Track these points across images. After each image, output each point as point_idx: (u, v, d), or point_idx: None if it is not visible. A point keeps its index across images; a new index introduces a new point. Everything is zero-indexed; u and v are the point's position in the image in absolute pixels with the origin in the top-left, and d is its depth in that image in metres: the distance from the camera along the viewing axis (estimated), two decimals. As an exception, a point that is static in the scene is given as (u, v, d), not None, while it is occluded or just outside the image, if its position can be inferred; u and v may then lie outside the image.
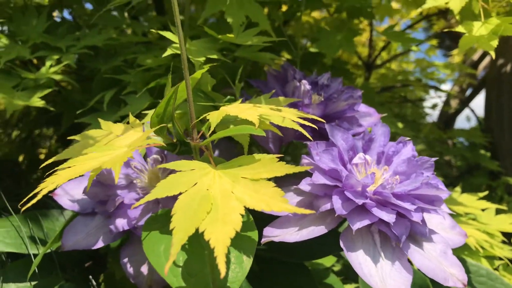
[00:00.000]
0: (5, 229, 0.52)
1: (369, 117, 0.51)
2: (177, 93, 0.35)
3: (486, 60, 1.52)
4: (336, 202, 0.37)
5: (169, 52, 0.46)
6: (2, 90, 0.59)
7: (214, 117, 0.32)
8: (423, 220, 0.38)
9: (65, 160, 0.40)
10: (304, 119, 0.37)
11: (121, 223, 0.42)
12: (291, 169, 0.28)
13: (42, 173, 1.09)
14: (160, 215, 0.40)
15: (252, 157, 0.30)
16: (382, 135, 0.44)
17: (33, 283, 0.50)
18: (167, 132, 0.38)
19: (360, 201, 0.37)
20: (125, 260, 0.44)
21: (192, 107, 0.33)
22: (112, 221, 0.42)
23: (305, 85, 0.46)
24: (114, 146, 0.33)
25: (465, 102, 1.48)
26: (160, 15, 0.92)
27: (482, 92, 1.54)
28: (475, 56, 1.50)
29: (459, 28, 0.58)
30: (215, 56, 0.47)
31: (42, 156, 1.17)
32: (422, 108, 1.45)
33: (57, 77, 0.62)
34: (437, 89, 1.30)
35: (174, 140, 0.37)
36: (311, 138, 0.37)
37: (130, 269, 0.43)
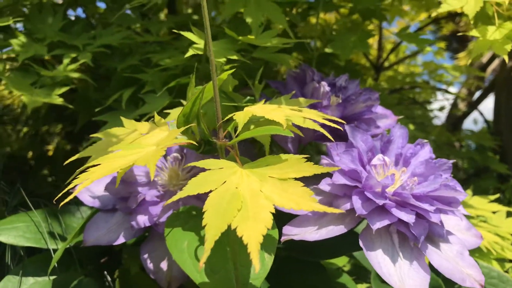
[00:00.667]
0: (25, 223, 0.53)
1: (385, 119, 0.51)
2: (204, 93, 0.35)
3: (495, 63, 1.52)
4: (356, 202, 0.38)
5: (191, 52, 0.46)
6: (21, 88, 0.60)
7: (240, 117, 0.33)
8: (441, 221, 0.39)
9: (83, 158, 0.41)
10: (327, 119, 0.38)
11: (142, 220, 0.43)
12: (319, 169, 0.28)
13: (50, 169, 1.10)
14: (182, 212, 0.41)
15: (278, 157, 0.31)
16: (400, 137, 0.44)
17: (52, 277, 0.51)
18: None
19: (380, 202, 0.37)
20: (145, 256, 0.44)
21: (219, 107, 0.34)
22: (134, 217, 0.43)
23: (325, 86, 0.47)
24: (141, 144, 0.33)
25: (473, 105, 1.49)
26: (171, 14, 0.93)
27: (490, 95, 1.54)
28: (484, 59, 1.50)
29: (473, 32, 0.58)
30: (235, 57, 0.47)
31: (50, 154, 1.18)
32: (431, 110, 1.45)
33: (75, 75, 0.63)
34: (446, 91, 1.31)
35: (198, 139, 0.38)
36: (332, 139, 0.37)
37: (150, 265, 0.44)
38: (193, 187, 0.28)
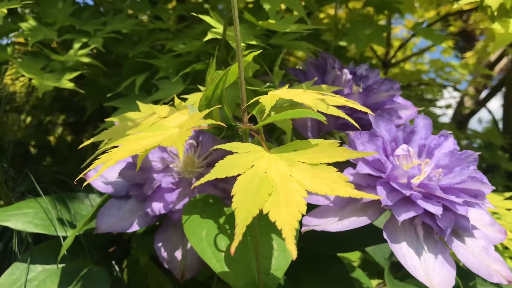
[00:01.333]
0: (34, 210, 0.51)
1: (405, 110, 0.50)
2: (227, 76, 0.34)
3: (503, 61, 1.51)
4: (381, 192, 0.37)
5: (209, 36, 0.45)
6: (32, 71, 0.59)
7: (267, 101, 0.32)
8: (467, 214, 0.38)
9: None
10: (350, 108, 0.36)
11: (157, 207, 0.42)
12: (354, 154, 0.27)
13: (52, 159, 1.09)
14: (199, 200, 0.40)
15: (307, 142, 0.30)
16: (423, 127, 0.43)
17: (60, 265, 0.49)
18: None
19: (407, 192, 0.36)
20: (159, 244, 0.43)
21: (244, 90, 0.32)
22: (149, 204, 0.42)
23: (347, 74, 0.45)
24: (164, 126, 0.32)
25: (480, 103, 1.47)
26: (180, 2, 0.91)
27: (497, 94, 1.53)
28: (492, 58, 1.49)
29: (495, 25, 0.57)
30: (254, 42, 0.46)
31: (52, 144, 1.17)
32: (440, 107, 1.44)
33: (85, 60, 0.62)
34: (455, 89, 1.29)
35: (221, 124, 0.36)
36: (358, 127, 0.36)
37: (164, 254, 0.43)
38: (220, 170, 0.27)
